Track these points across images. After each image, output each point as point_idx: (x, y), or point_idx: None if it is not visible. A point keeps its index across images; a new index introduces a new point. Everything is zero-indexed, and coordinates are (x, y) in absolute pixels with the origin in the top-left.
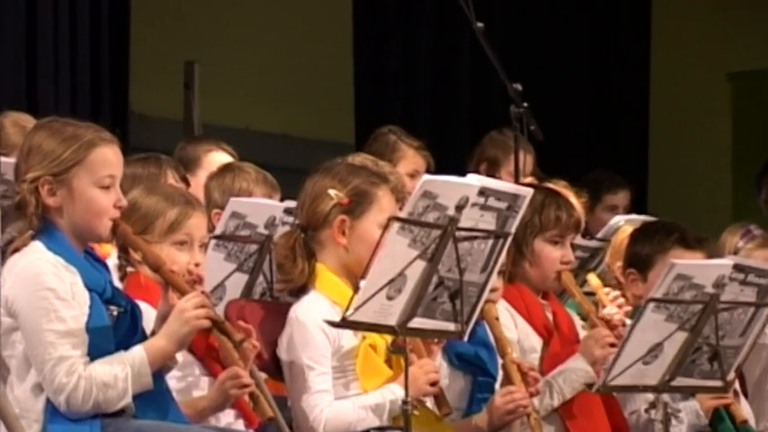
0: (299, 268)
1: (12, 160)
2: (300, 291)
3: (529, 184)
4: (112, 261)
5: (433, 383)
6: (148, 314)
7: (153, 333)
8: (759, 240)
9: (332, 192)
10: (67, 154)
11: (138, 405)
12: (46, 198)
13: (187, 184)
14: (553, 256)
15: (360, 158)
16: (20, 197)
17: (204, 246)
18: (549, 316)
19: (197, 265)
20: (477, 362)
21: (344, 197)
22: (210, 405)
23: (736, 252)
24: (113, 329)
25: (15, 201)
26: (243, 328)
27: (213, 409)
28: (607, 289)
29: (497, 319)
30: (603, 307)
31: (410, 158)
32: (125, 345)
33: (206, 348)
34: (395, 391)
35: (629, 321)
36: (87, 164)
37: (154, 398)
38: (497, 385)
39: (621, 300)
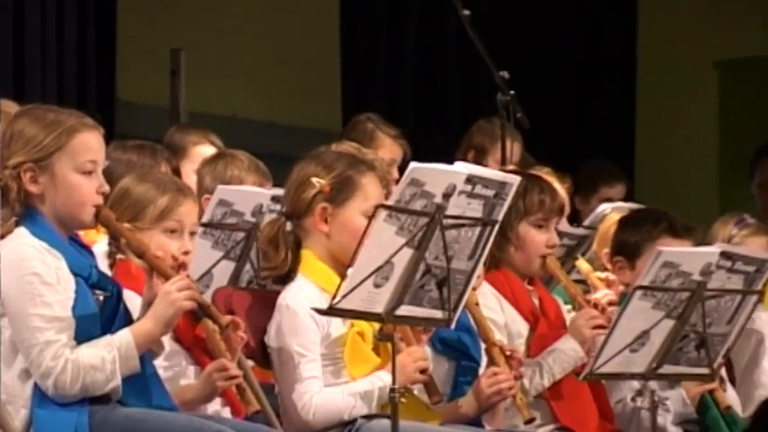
0: (282, 256)
1: None
2: (286, 278)
3: (512, 171)
4: (101, 248)
5: (423, 371)
6: (135, 303)
7: (138, 319)
8: (753, 228)
9: (314, 179)
10: (49, 140)
11: (123, 390)
12: (28, 184)
13: (178, 175)
14: (538, 239)
15: (345, 146)
16: (2, 184)
17: (194, 233)
18: (536, 302)
19: (186, 252)
20: (459, 347)
21: (327, 185)
22: (197, 396)
23: (729, 240)
24: (99, 314)
25: None
26: (231, 320)
27: (200, 399)
28: (598, 273)
29: (477, 304)
30: (596, 290)
31: (387, 147)
32: (111, 329)
33: (193, 338)
34: (383, 379)
35: (614, 307)
36: (69, 149)
37: (139, 382)
38: (481, 370)
39: (613, 277)
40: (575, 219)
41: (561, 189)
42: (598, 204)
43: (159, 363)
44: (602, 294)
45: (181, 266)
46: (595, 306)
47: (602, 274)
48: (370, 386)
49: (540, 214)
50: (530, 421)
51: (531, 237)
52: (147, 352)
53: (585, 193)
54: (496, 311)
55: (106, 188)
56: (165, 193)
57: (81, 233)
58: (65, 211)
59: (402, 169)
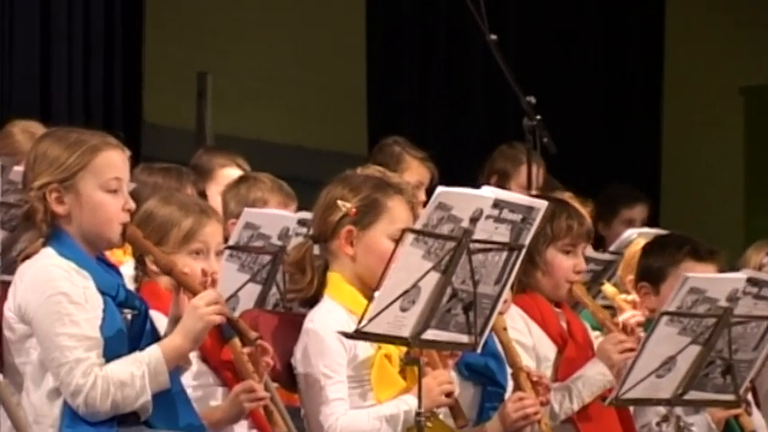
0: (308, 279)
1: (22, 168)
2: (312, 301)
3: (538, 195)
4: (128, 271)
5: (448, 394)
6: (162, 323)
7: (165, 337)
8: None
9: (340, 202)
10: (73, 159)
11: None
12: (54, 205)
13: (204, 197)
14: (565, 265)
15: (371, 169)
16: (28, 206)
17: (220, 253)
18: (564, 325)
19: (214, 273)
20: (486, 372)
21: (352, 207)
22: (225, 417)
23: (760, 268)
24: (127, 332)
25: (24, 209)
26: (260, 345)
27: (228, 421)
28: (623, 295)
29: (505, 329)
30: (622, 312)
31: (414, 169)
32: (139, 347)
33: (220, 359)
34: (409, 402)
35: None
36: (93, 168)
37: (166, 402)
38: (507, 395)
39: (638, 299)
40: (598, 244)
41: (584, 212)
42: (620, 227)
43: (187, 382)
44: (630, 315)
45: (211, 284)
46: (623, 328)
47: (629, 297)
48: (395, 410)
49: (567, 239)
50: None
51: (558, 262)
52: (175, 369)
53: (607, 216)
54: (524, 334)
55: (132, 205)
56: (189, 215)
57: (107, 253)
58: (91, 229)
59: (429, 192)
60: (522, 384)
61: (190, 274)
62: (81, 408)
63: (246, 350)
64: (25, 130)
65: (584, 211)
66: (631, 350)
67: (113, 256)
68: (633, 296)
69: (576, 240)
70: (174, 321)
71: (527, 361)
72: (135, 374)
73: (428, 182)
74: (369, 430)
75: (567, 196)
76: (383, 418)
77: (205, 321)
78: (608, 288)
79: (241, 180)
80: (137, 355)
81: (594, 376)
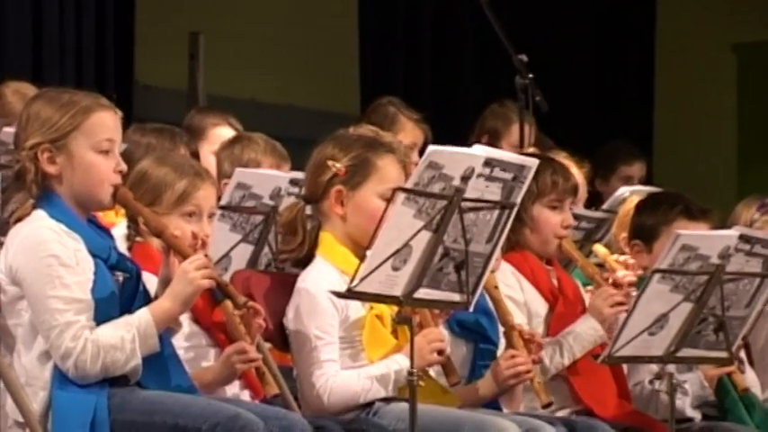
0: (300, 239)
1: (14, 129)
2: (305, 261)
3: (529, 153)
4: (120, 231)
5: (440, 352)
6: (154, 283)
7: (155, 298)
8: None
9: (329, 162)
10: (65, 120)
11: (142, 372)
12: (45, 165)
13: (197, 158)
14: (553, 220)
15: (364, 129)
16: (19, 165)
17: (213, 216)
18: (555, 282)
19: (205, 236)
20: (477, 329)
21: (342, 167)
22: (217, 378)
23: (751, 224)
24: (119, 294)
25: (15, 170)
26: (251, 305)
27: (219, 382)
28: (615, 256)
29: (497, 287)
30: (614, 273)
31: (409, 131)
32: (131, 310)
33: (212, 320)
34: (400, 362)
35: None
36: (85, 128)
37: (157, 364)
38: (499, 352)
39: (632, 260)
40: (596, 201)
41: (579, 172)
42: (618, 184)
43: (179, 344)
44: (623, 275)
45: (201, 247)
46: (615, 285)
47: (621, 258)
48: (386, 369)
49: (553, 195)
50: (547, 405)
51: (545, 218)
52: (166, 331)
53: (605, 173)
54: (516, 290)
55: (124, 167)
56: (183, 177)
57: (100, 215)
58: (83, 190)
59: (422, 153)
60: (514, 342)
61: (180, 236)
62: (71, 371)
63: (238, 312)
64: (17, 92)
65: (580, 171)
66: (621, 304)
67: (105, 217)
68: (626, 257)
69: (562, 196)
70: (165, 283)
71: (519, 317)
72: (125, 338)
73: (422, 143)
74: (359, 390)
75: (563, 156)
76: (374, 378)
77: (195, 286)
78: (599, 248)
79: (235, 140)
80: (127, 318)
81: (586, 331)
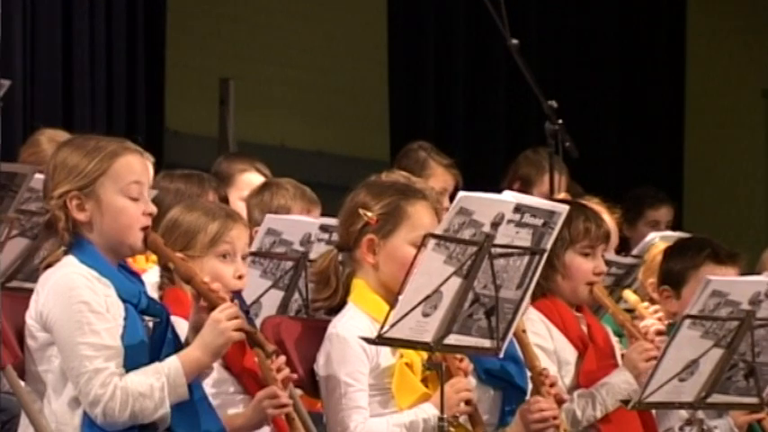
0: (333, 288)
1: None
2: (337, 307)
3: (561, 200)
4: (152, 278)
5: (467, 402)
6: (184, 328)
7: (186, 344)
8: None
9: (361, 211)
10: (92, 165)
11: (172, 416)
12: (75, 213)
13: (226, 203)
14: (584, 267)
15: (395, 175)
16: (49, 215)
17: (246, 258)
18: (584, 329)
19: (241, 276)
20: (504, 376)
21: (373, 217)
22: (247, 423)
23: None
24: (149, 339)
25: (45, 218)
26: (277, 363)
27: (250, 427)
28: (645, 303)
29: (524, 331)
30: (644, 320)
31: (439, 176)
32: (160, 355)
33: (242, 366)
34: (428, 411)
35: (663, 337)
36: (112, 173)
37: (188, 408)
38: (528, 397)
39: (661, 314)
40: (624, 247)
41: (610, 219)
42: (645, 229)
43: (207, 390)
44: (651, 323)
45: (236, 292)
46: (645, 335)
47: (651, 307)
48: (414, 417)
49: (585, 242)
50: None
51: (577, 265)
52: (196, 377)
53: (632, 218)
54: (546, 339)
55: (153, 209)
56: (215, 219)
57: (130, 261)
58: (113, 235)
59: (453, 198)
60: (541, 388)
61: (210, 283)
62: (99, 418)
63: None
64: (52, 140)
65: (611, 218)
66: (656, 358)
67: (136, 263)
68: (656, 307)
69: (595, 242)
70: (195, 329)
71: (549, 366)
72: (154, 386)
73: (452, 188)
74: None
75: (595, 202)
76: (403, 426)
77: (226, 337)
78: (630, 295)
79: (264, 187)
80: (156, 365)
81: (619, 384)
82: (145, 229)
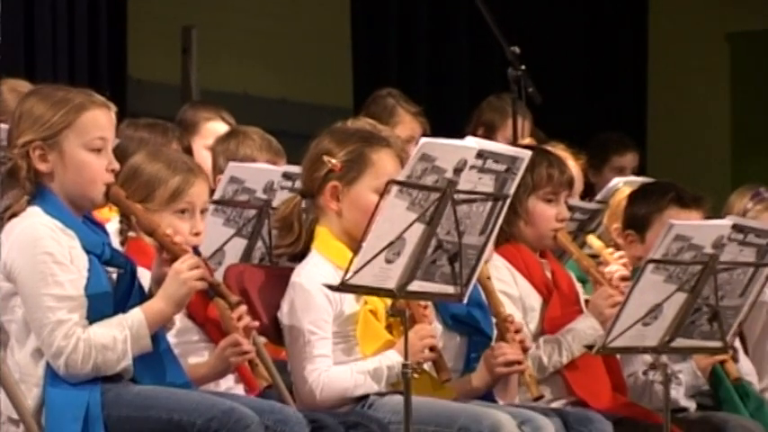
0: (296, 235)
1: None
2: (300, 256)
3: (524, 146)
4: (113, 226)
5: (431, 348)
6: (147, 279)
7: (150, 295)
8: None
9: (325, 158)
10: (57, 117)
11: (136, 367)
12: (37, 163)
13: (190, 153)
14: (548, 213)
15: (361, 122)
16: (12, 163)
17: (205, 211)
18: (548, 274)
19: (198, 233)
20: (470, 322)
21: (337, 163)
22: (210, 372)
23: (744, 213)
24: (113, 291)
25: (8, 166)
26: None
27: (213, 375)
28: (610, 249)
29: (489, 278)
30: (608, 265)
31: (407, 123)
32: (125, 307)
33: (205, 316)
34: (392, 358)
35: (627, 283)
36: (77, 127)
37: (152, 359)
38: (493, 344)
39: (625, 259)
40: (589, 193)
41: (575, 165)
42: (611, 175)
43: (171, 340)
44: (615, 269)
45: (193, 248)
46: (609, 281)
47: (616, 254)
48: (378, 364)
49: (548, 188)
50: (537, 399)
51: (540, 211)
52: (159, 328)
53: (597, 164)
54: (510, 285)
55: (116, 165)
56: (176, 173)
57: (95, 211)
58: (75, 188)
59: None
60: (506, 334)
61: (172, 235)
62: (62, 369)
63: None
64: (13, 89)
65: (576, 163)
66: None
67: (99, 213)
68: (620, 253)
69: (558, 189)
70: (158, 281)
71: (514, 312)
72: (117, 338)
73: (419, 136)
74: (352, 385)
75: (560, 148)
76: (366, 373)
77: (188, 287)
78: (594, 240)
79: (230, 135)
80: (119, 317)
81: (585, 330)
82: (107, 183)
